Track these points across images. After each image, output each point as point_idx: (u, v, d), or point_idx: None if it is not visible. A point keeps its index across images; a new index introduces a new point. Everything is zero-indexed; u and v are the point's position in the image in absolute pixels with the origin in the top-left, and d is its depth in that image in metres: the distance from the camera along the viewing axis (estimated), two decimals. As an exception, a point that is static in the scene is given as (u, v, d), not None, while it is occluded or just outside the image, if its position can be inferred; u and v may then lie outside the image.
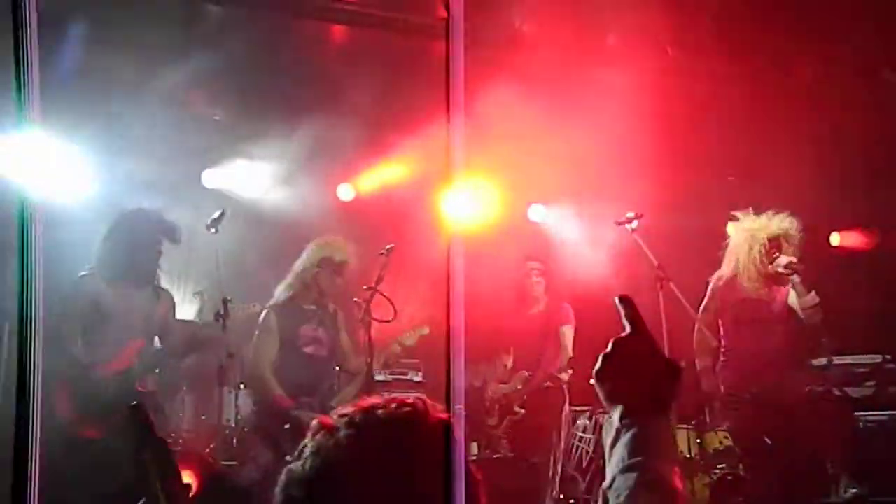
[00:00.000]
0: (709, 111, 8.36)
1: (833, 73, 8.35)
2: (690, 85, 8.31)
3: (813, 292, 5.56)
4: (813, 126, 8.82)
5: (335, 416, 1.51)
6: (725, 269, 5.88)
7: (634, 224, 5.64)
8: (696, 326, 5.75)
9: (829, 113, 8.75)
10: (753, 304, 5.68)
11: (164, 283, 5.45)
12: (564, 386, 6.76)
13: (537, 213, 9.93)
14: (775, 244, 5.76)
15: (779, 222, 5.81)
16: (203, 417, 7.22)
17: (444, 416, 1.47)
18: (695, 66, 8.30)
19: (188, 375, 7.21)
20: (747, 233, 5.85)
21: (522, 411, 6.73)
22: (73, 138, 6.20)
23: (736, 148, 9.07)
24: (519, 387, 6.90)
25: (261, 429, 5.77)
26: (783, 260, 5.71)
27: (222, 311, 5.05)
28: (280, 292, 6.09)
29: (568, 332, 7.10)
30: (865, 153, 8.92)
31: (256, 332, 5.71)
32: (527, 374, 7.06)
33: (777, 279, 5.70)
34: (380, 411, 1.49)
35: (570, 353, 7.01)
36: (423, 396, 1.55)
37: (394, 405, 1.51)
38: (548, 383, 6.63)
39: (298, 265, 6.02)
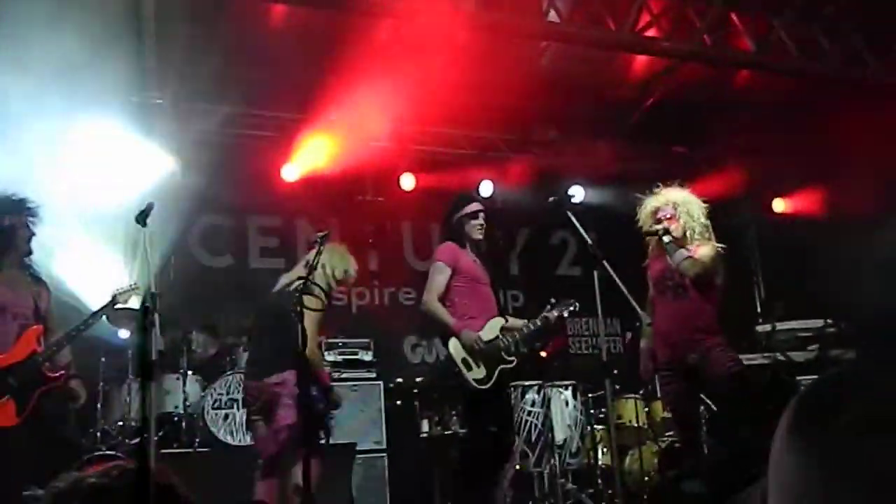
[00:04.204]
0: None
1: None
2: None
3: (682, 249, 5.58)
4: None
5: None
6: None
7: (571, 201, 5.66)
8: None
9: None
10: (667, 273, 5.72)
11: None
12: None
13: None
14: (659, 213, 5.79)
15: (665, 193, 5.82)
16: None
17: None
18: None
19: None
20: (643, 206, 5.91)
21: None
22: None
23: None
24: None
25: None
26: (660, 227, 5.75)
27: (150, 306, 4.97)
28: None
29: None
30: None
31: None
32: None
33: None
34: None
35: None
36: None
37: None
38: None
39: None
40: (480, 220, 5.99)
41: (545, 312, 6.00)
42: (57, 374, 4.96)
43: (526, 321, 6.06)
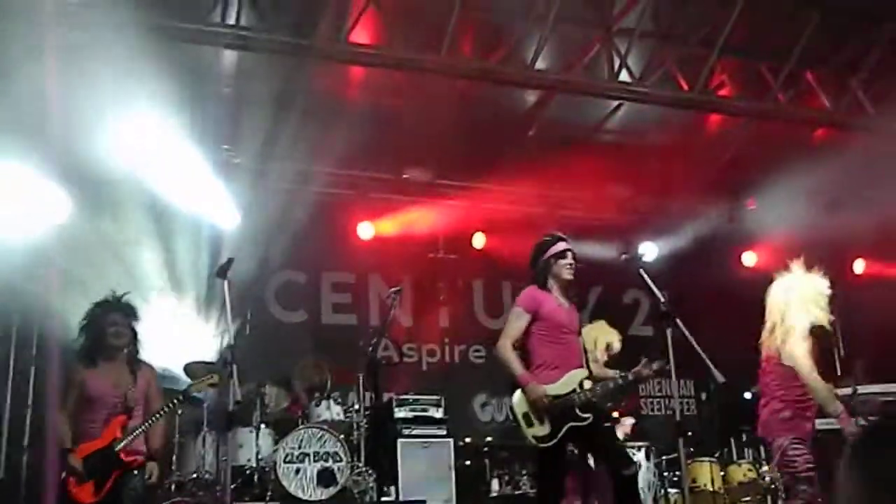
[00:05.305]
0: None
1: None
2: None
3: None
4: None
5: None
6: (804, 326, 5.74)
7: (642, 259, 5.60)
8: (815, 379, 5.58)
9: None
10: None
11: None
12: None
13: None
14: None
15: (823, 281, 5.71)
16: (224, 459, 7.26)
17: None
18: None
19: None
20: (807, 291, 5.73)
21: None
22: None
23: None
24: None
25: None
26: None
27: (229, 358, 5.24)
28: None
29: None
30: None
31: None
32: None
33: None
34: None
35: None
36: None
37: None
38: None
39: None
40: (570, 260, 5.64)
41: (640, 367, 5.59)
42: (131, 459, 5.41)
43: (617, 373, 5.74)
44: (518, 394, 5.40)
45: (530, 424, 5.35)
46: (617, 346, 6.09)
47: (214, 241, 8.01)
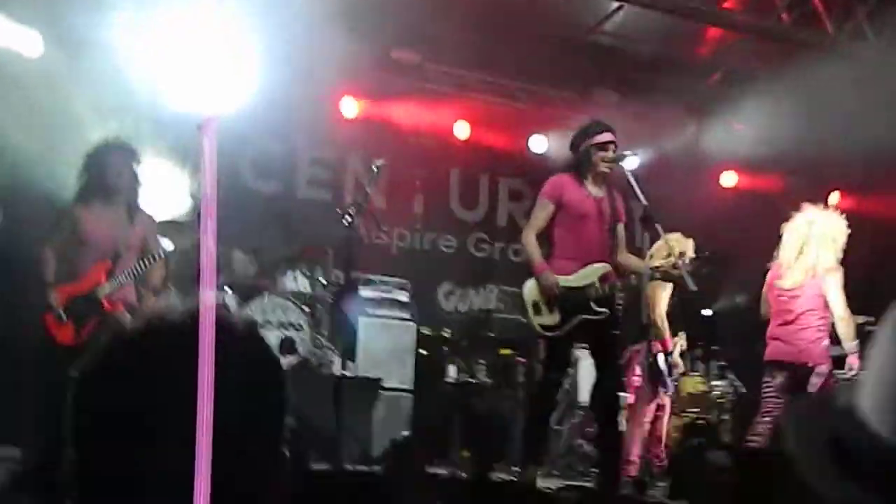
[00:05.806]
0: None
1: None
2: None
3: None
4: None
5: None
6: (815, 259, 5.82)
7: (627, 161, 5.53)
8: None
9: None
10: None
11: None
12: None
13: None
14: None
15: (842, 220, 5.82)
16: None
17: None
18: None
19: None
20: (828, 228, 5.79)
21: None
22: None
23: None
24: None
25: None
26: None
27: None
28: None
29: None
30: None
31: None
32: None
33: None
34: None
35: None
36: None
37: None
38: None
39: None
40: (611, 153, 5.46)
41: (669, 266, 5.57)
42: (112, 308, 5.30)
43: (645, 266, 5.61)
44: (530, 281, 5.36)
45: (538, 313, 5.31)
46: (691, 253, 6.14)
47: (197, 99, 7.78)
